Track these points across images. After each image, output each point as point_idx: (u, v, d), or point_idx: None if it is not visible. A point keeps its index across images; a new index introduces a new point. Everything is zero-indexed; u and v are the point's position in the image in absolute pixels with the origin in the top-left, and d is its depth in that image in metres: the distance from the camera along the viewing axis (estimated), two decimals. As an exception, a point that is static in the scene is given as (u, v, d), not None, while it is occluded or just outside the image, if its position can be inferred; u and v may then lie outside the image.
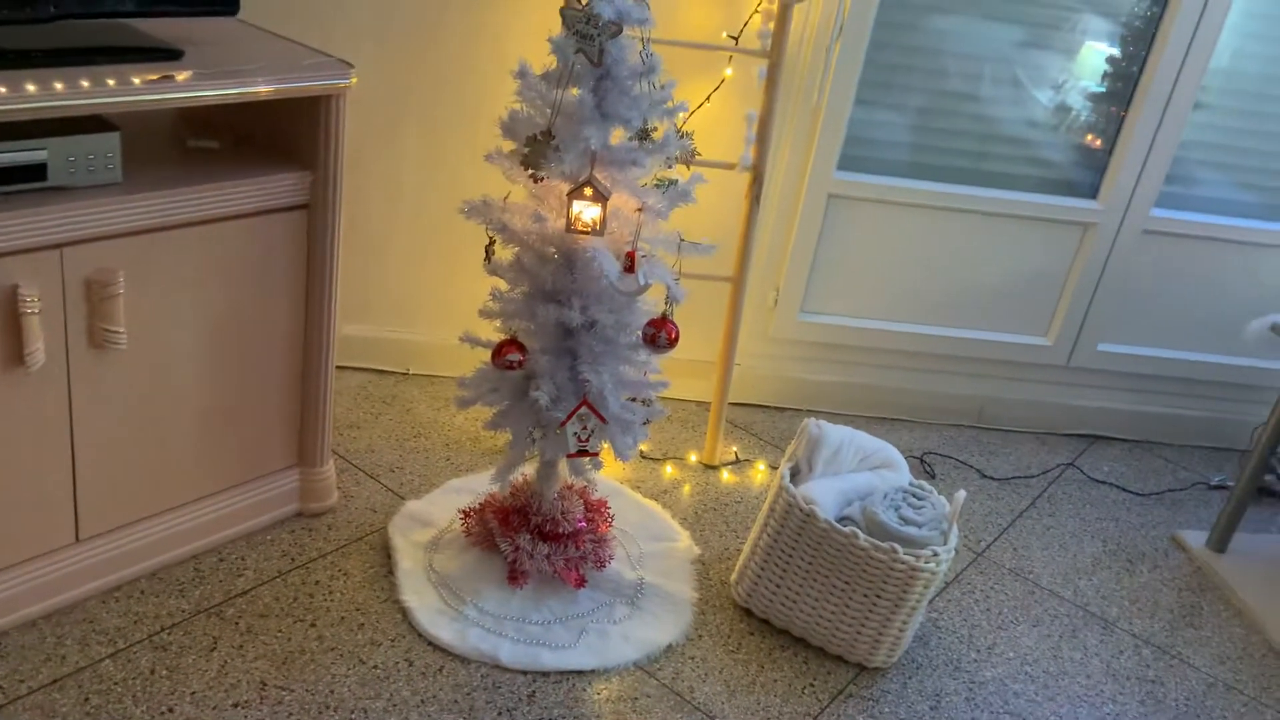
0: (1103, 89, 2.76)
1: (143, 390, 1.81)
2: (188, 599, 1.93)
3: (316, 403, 2.11)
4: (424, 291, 2.74)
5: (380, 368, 2.81)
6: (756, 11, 2.42)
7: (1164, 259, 2.90)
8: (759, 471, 2.66)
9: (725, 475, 2.62)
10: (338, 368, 2.72)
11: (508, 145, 1.87)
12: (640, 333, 1.89)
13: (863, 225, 2.80)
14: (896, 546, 1.93)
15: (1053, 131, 2.79)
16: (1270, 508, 2.82)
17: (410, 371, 2.82)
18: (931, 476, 2.77)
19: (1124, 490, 2.85)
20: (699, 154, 2.13)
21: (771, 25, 2.38)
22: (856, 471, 2.13)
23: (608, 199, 1.80)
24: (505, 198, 1.90)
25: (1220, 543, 2.59)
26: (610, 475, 2.50)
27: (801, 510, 2.00)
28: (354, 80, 1.85)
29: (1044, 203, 2.82)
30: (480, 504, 2.19)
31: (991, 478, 2.81)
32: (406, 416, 2.63)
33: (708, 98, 2.49)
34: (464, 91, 2.54)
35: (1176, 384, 3.06)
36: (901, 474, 2.14)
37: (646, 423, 2.01)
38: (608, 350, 1.91)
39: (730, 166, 2.44)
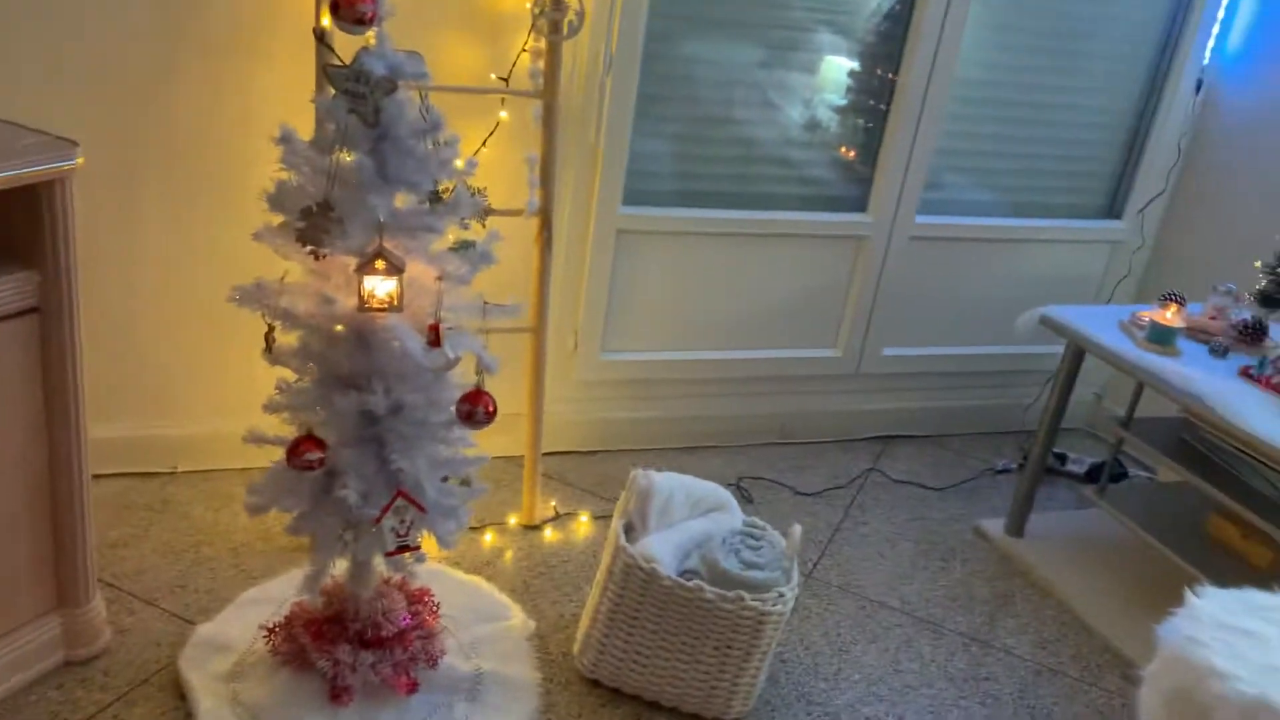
0: (845, 102, 2.86)
1: None
2: (-67, 802, 1.58)
3: (73, 530, 1.80)
4: (185, 378, 2.44)
5: (143, 470, 2.47)
6: (525, 50, 2.32)
7: (932, 262, 3.05)
8: (582, 524, 2.55)
9: (548, 533, 2.49)
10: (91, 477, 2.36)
11: (277, 219, 1.66)
12: (454, 409, 1.74)
13: (653, 258, 2.76)
14: (743, 594, 1.88)
15: (815, 149, 2.86)
16: (1050, 485, 3.02)
17: (179, 469, 2.50)
18: (749, 501, 2.77)
19: (923, 487, 2.97)
20: (491, 207, 2.00)
21: (541, 64, 2.29)
22: (690, 519, 2.06)
23: (403, 270, 1.63)
24: (282, 278, 1.69)
25: (1017, 528, 2.74)
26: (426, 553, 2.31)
27: (643, 570, 1.91)
28: (80, 160, 1.58)
29: (819, 220, 2.89)
30: (286, 616, 1.95)
31: (804, 494, 2.85)
32: (182, 523, 2.32)
33: (484, 143, 2.36)
34: (208, 157, 2.28)
35: (956, 378, 3.24)
36: (734, 515, 2.10)
37: (468, 502, 1.85)
38: (419, 433, 1.74)
39: (518, 213, 2.32)
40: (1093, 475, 3.04)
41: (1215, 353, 2.45)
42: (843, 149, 2.91)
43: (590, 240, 2.65)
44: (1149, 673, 1.66)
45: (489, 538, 2.43)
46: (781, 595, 1.91)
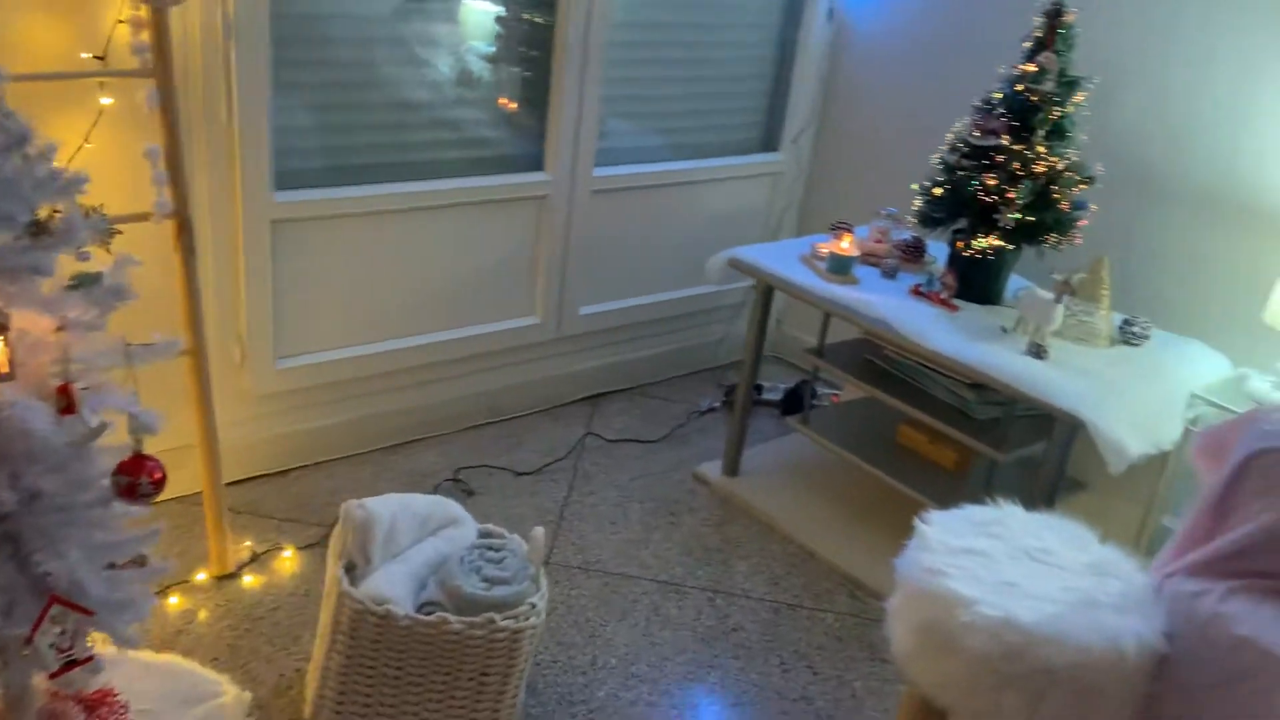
0: (497, 50, 2.68)
1: None
2: None
3: None
4: None
5: None
6: (121, 21, 1.92)
7: (614, 214, 2.98)
8: (285, 560, 2.25)
9: (247, 580, 2.18)
10: None
11: None
12: (111, 484, 1.40)
13: (318, 247, 2.45)
14: (493, 616, 1.71)
15: (477, 107, 2.67)
16: (754, 417, 3.10)
17: None
18: (471, 494, 2.59)
19: (640, 442, 2.95)
20: (113, 225, 1.61)
21: (145, 35, 1.90)
22: (420, 543, 1.86)
23: (6, 327, 1.27)
24: None
25: (733, 467, 2.79)
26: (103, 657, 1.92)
27: (375, 614, 1.69)
28: None
29: (495, 183, 2.71)
30: (-80, 772, 1.53)
31: (525, 473, 2.71)
32: None
33: (86, 139, 1.94)
34: None
35: (651, 325, 3.22)
36: (468, 527, 1.92)
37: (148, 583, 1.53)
38: (65, 521, 1.39)
39: (145, 217, 1.94)
40: (789, 402, 3.16)
41: (886, 275, 2.59)
42: (503, 100, 2.72)
43: (241, 237, 2.30)
44: (893, 608, 1.71)
45: (175, 600, 2.08)
46: (533, 606, 1.77)
